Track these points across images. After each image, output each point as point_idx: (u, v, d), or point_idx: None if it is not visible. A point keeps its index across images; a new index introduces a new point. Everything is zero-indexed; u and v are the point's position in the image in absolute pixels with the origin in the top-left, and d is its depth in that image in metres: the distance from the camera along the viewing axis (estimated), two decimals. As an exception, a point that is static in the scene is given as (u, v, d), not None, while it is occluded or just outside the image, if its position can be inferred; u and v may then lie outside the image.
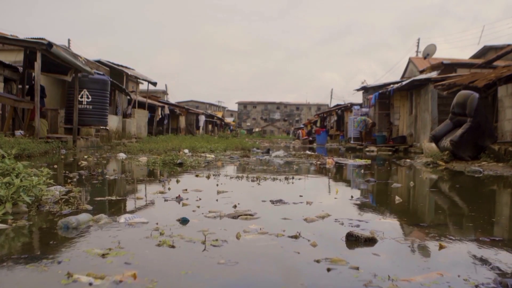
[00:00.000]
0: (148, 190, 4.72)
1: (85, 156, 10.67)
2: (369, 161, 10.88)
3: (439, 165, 10.02)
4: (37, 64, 12.64)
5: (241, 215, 3.17)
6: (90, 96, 17.98)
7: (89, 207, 3.44)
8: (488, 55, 25.54)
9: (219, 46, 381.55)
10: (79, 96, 17.49)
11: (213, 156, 11.71)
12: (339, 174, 7.94)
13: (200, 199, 4.00)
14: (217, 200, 3.98)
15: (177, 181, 5.51)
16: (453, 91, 16.36)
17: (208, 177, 6.11)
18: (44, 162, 8.63)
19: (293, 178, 6.05)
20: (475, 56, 26.89)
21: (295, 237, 2.56)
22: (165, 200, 3.92)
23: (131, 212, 3.37)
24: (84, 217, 2.85)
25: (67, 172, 6.44)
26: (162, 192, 4.36)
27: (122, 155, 11.13)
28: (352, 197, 4.38)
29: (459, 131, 10.33)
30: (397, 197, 4.22)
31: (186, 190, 4.55)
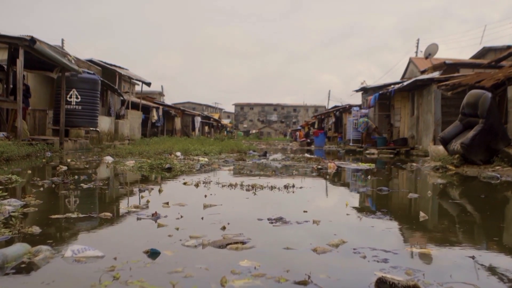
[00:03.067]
0: (122, 203, 3.96)
1: (68, 160, 9.91)
2: (373, 165, 10.15)
3: (449, 169, 9.31)
4: (19, 61, 11.87)
5: (230, 243, 2.42)
6: (79, 96, 17.18)
7: (37, 230, 2.68)
8: (488, 56, 24.94)
9: (218, 48, 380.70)
10: (68, 96, 16.74)
11: (206, 159, 10.96)
12: (344, 181, 7.20)
13: (181, 216, 3.25)
14: (202, 218, 3.23)
15: (160, 191, 4.76)
16: (458, 91, 15.74)
17: (197, 185, 5.36)
18: (21, 167, 7.87)
19: (293, 186, 5.31)
20: (475, 57, 26.29)
21: (304, 283, 1.82)
22: (138, 219, 3.16)
23: (89, 237, 2.62)
24: (16, 250, 2.10)
25: (38, 179, 5.67)
26: (137, 207, 3.61)
27: (108, 159, 10.37)
28: (366, 212, 3.64)
29: (471, 133, 9.61)
30: (421, 214, 3.48)
31: (167, 204, 3.80)
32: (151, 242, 2.41)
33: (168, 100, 55.03)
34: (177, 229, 2.81)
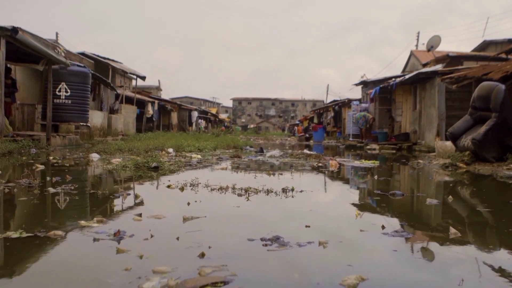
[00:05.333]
0: (84, 215, 3.25)
1: (50, 158, 9.21)
2: (377, 163, 9.47)
3: (459, 167, 8.65)
4: (1, 52, 11.14)
5: (207, 285, 1.74)
6: (68, 90, 16.46)
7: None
8: (488, 50, 24.31)
9: (217, 43, 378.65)
10: (57, 89, 16.04)
11: (199, 156, 10.28)
12: (348, 182, 6.51)
13: (152, 236, 2.56)
14: (178, 238, 2.54)
15: (137, 197, 4.06)
16: (464, 84, 15.15)
17: (182, 189, 4.68)
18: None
19: (292, 190, 4.63)
20: (475, 50, 25.70)
21: None
22: (95, 240, 2.46)
23: (11, 275, 1.93)
24: None
25: (1, 181, 4.98)
26: (100, 221, 2.92)
27: (94, 156, 9.69)
28: (383, 227, 2.96)
29: (483, 128, 8.93)
30: (452, 230, 2.81)
31: (139, 216, 3.11)
32: (97, 282, 1.74)
33: (166, 95, 54.36)
34: (141, 257, 2.13)
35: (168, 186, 4.86)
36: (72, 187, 4.61)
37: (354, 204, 4.21)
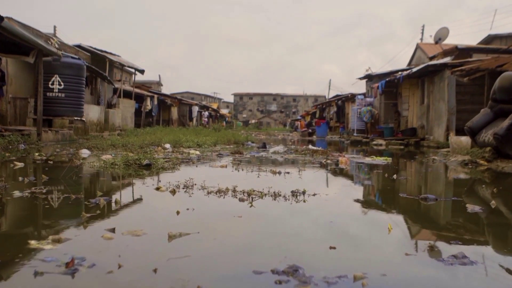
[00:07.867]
0: (40, 230, 2.53)
1: (36, 154, 8.49)
2: (389, 160, 8.74)
3: (479, 164, 7.94)
4: (-15, 41, 10.44)
5: None
6: (62, 83, 15.76)
7: None
8: (493, 43, 23.59)
9: (220, 39, 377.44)
10: (50, 82, 15.35)
11: (198, 152, 9.56)
12: (365, 183, 5.76)
13: (120, 266, 1.84)
14: (155, 270, 1.82)
15: (116, 203, 3.33)
16: (476, 77, 14.45)
17: (173, 192, 3.95)
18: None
19: (304, 193, 3.91)
20: (480, 44, 24.91)
21: None
22: (37, 274, 1.74)
23: None
24: None
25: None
26: (57, 241, 2.20)
27: (85, 152, 8.97)
28: (432, 247, 2.23)
29: (506, 122, 8.18)
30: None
31: (113, 231, 2.40)
32: None
33: (167, 90, 53.81)
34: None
35: (158, 188, 4.14)
36: (44, 190, 3.89)
37: (380, 211, 3.48)
